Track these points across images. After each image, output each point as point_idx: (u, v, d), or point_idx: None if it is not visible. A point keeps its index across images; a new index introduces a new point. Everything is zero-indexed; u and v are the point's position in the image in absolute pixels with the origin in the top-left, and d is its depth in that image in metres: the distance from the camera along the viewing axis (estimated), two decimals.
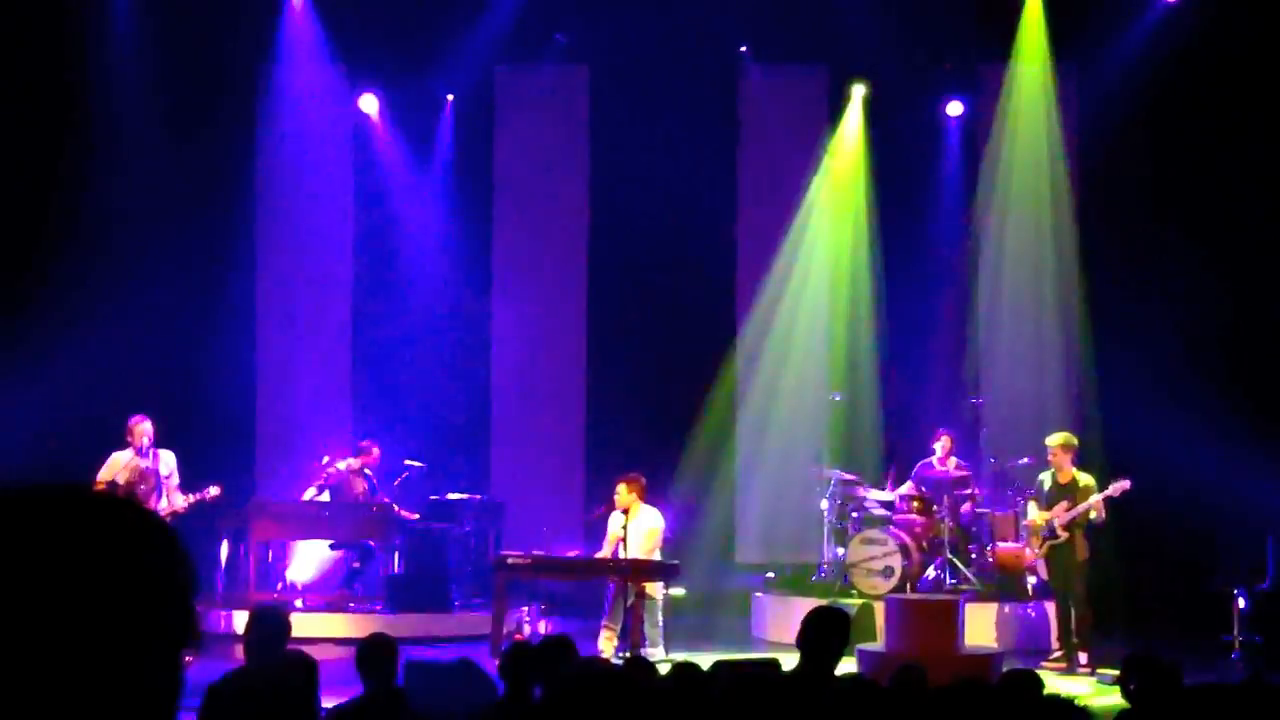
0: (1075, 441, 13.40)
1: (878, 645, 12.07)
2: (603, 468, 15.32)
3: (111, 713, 1.48)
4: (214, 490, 12.98)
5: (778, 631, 14.26)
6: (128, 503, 1.58)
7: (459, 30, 16.76)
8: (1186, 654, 8.65)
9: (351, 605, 14.68)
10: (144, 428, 12.62)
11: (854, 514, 14.83)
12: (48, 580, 1.47)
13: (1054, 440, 13.36)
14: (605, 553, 12.71)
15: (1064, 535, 13.03)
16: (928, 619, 11.81)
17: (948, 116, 17.44)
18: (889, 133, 17.32)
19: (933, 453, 14.90)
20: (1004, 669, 11.06)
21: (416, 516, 15.06)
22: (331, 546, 15.27)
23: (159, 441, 12.84)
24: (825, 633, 6.65)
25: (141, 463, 12.59)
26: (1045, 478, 13.38)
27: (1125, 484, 12.83)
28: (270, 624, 6.42)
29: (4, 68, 15.57)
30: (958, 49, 16.69)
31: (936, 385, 16.41)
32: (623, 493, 12.58)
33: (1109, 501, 12.91)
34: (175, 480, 12.81)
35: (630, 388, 16.93)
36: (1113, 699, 10.88)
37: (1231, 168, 15.81)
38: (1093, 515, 12.93)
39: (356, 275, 17.46)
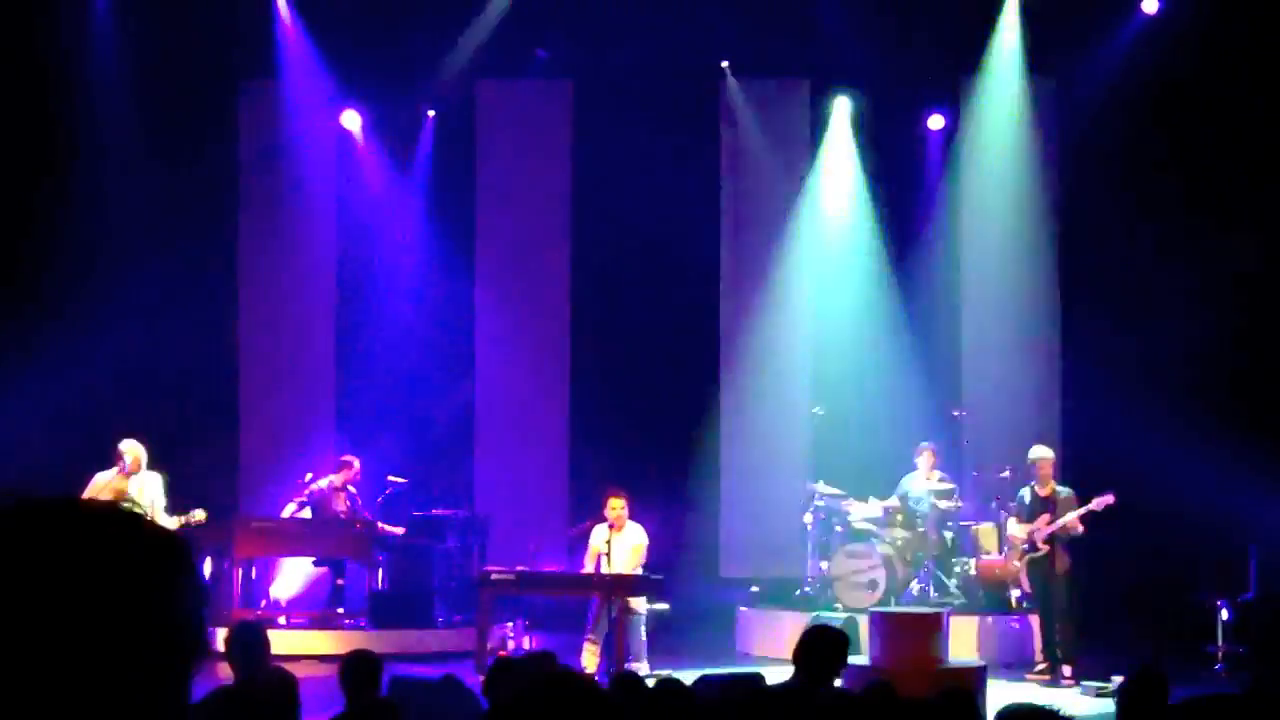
0: (1053, 454, 13.49)
1: (861, 659, 12.05)
2: (586, 483, 15.32)
3: None
4: (199, 515, 12.97)
5: (762, 645, 14.26)
6: (136, 516, 1.58)
7: (441, 45, 16.77)
8: (1170, 664, 8.66)
9: (335, 622, 14.63)
10: (135, 450, 12.59)
11: (838, 527, 14.82)
12: (55, 594, 1.47)
13: (1036, 453, 13.42)
14: (587, 567, 12.71)
15: (1044, 548, 13.07)
16: (912, 632, 11.80)
17: (929, 129, 17.48)
18: (870, 146, 17.38)
19: (915, 466, 14.90)
20: (987, 682, 11.10)
21: (400, 532, 15.03)
22: (315, 563, 15.24)
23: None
24: (825, 651, 6.65)
25: (126, 485, 12.55)
26: (1025, 491, 13.44)
27: (1109, 498, 12.87)
28: (250, 637, 6.42)
29: None
30: (939, 62, 16.73)
31: (919, 398, 16.42)
32: (618, 507, 12.57)
33: (1091, 515, 12.95)
34: (162, 503, 12.77)
35: (614, 402, 16.93)
36: (1097, 710, 10.91)
37: (1211, 179, 15.88)
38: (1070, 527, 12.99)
39: (340, 291, 17.43)
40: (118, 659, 1.47)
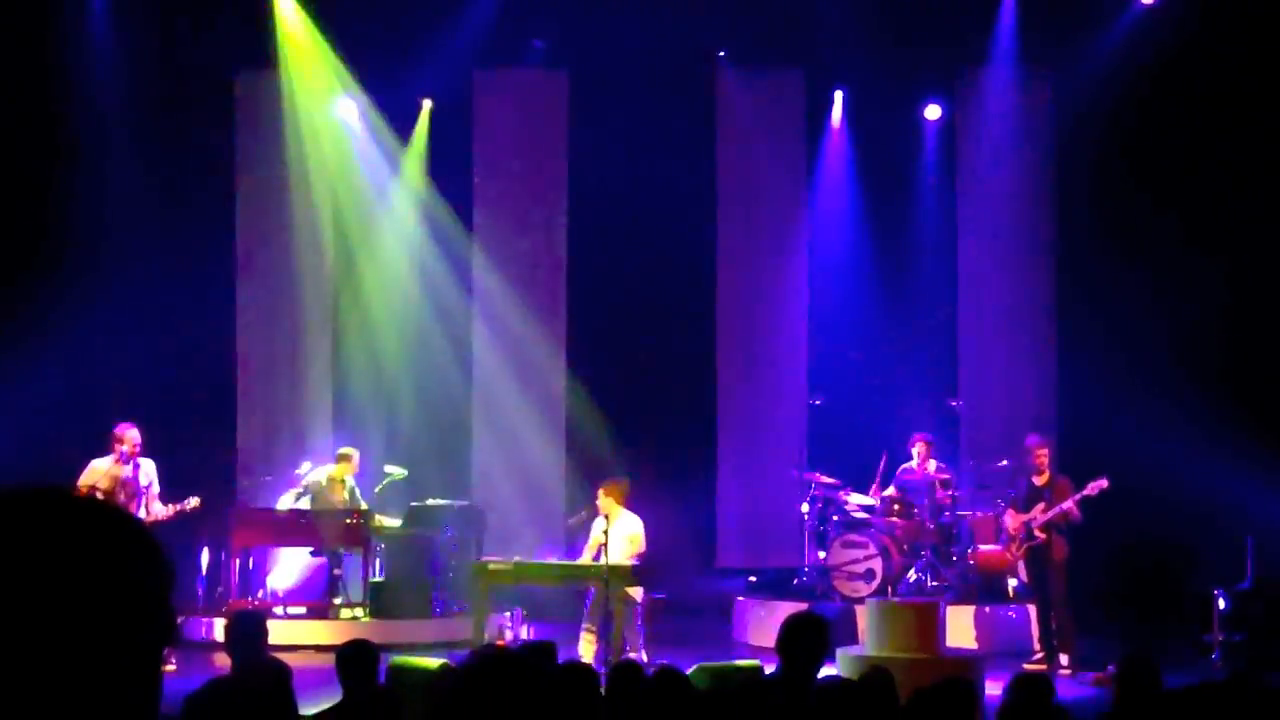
0: (1049, 443, 13.50)
1: (859, 649, 12.08)
2: (583, 473, 15.33)
3: (91, 713, 1.48)
4: (194, 501, 12.96)
5: (759, 636, 14.26)
6: (104, 504, 1.59)
7: (437, 34, 16.74)
8: (1167, 653, 8.68)
9: (333, 612, 14.64)
10: (131, 436, 12.57)
11: (835, 517, 14.84)
12: (25, 580, 1.47)
13: (1033, 442, 13.42)
14: (586, 558, 12.71)
15: (1041, 537, 13.08)
16: (909, 622, 11.82)
17: (926, 120, 17.48)
18: (867, 137, 17.37)
19: (910, 457, 14.90)
20: (989, 670, 11.11)
21: (397, 523, 15.03)
22: (312, 553, 15.25)
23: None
24: (804, 638, 6.66)
25: (122, 471, 12.54)
26: (1022, 481, 13.45)
27: (1103, 483, 12.88)
28: (248, 626, 6.43)
29: None
30: (935, 53, 16.72)
31: (917, 388, 16.43)
32: (602, 498, 12.59)
33: (1086, 500, 12.96)
34: (155, 489, 12.76)
35: (611, 392, 16.93)
36: (1094, 697, 10.92)
37: (1209, 169, 15.88)
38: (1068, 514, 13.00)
39: (336, 280, 17.41)
40: (84, 642, 1.48)
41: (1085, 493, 12.94)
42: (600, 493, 12.63)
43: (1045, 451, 13.38)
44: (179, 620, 13.19)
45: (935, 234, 17.28)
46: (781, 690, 6.40)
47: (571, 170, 17.41)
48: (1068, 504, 12.98)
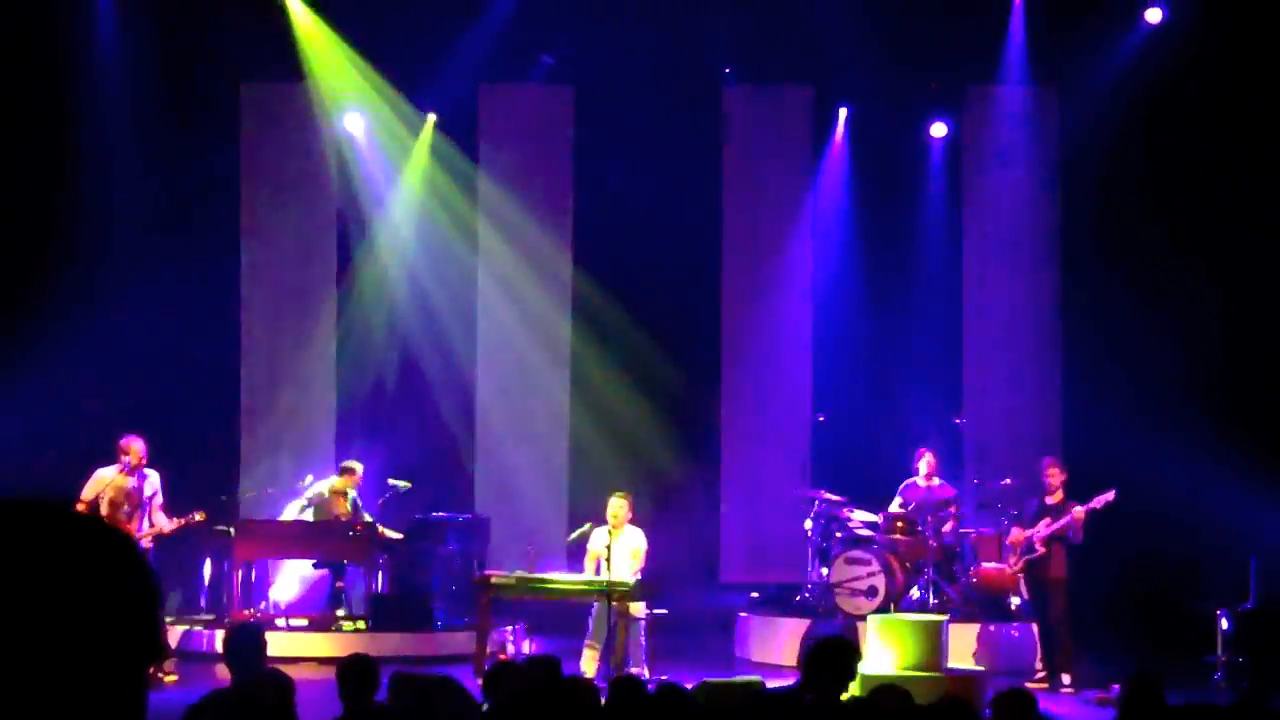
0: (1063, 467, 13.50)
1: (862, 666, 12.04)
2: (586, 487, 15.31)
3: None
4: (199, 516, 12.97)
5: (762, 652, 14.26)
6: (90, 518, 1.58)
7: (444, 48, 16.76)
8: (1169, 674, 8.65)
9: (335, 625, 14.62)
10: (136, 447, 12.58)
11: (838, 534, 14.81)
12: (7, 594, 1.47)
13: (1049, 462, 13.44)
14: (587, 571, 12.69)
15: (1042, 550, 13.06)
16: (912, 639, 11.81)
17: (932, 138, 17.48)
18: (873, 153, 17.37)
19: (916, 471, 14.88)
20: (991, 689, 11.08)
21: (400, 536, 15.02)
22: (315, 565, 15.24)
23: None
24: (835, 662, 6.64)
25: (127, 482, 12.55)
26: (1033, 500, 13.43)
27: (1109, 495, 12.87)
28: (246, 639, 6.42)
29: None
30: (942, 71, 16.74)
31: (921, 405, 16.42)
32: (622, 507, 12.56)
33: (1092, 514, 12.94)
34: (159, 500, 12.76)
35: (614, 407, 16.93)
36: (1095, 718, 10.90)
37: (1215, 188, 15.88)
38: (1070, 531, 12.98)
39: (340, 293, 17.41)
40: (67, 657, 1.47)
41: (1092, 505, 12.93)
42: (622, 501, 12.58)
43: (1058, 471, 13.37)
44: (168, 635, 13.22)
45: (940, 251, 17.28)
46: (793, 705, 6.39)
47: (577, 186, 17.43)
48: (1078, 511, 12.94)
